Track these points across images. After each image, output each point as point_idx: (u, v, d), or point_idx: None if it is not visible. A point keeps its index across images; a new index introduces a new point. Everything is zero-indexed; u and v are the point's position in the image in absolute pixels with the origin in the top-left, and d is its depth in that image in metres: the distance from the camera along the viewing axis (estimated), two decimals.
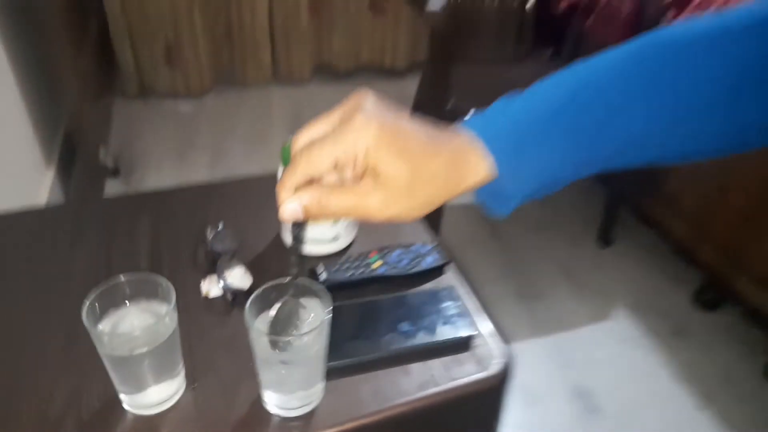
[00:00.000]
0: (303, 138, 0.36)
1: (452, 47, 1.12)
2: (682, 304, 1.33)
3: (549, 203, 1.64)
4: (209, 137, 1.88)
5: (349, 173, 0.35)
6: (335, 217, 0.55)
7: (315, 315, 0.46)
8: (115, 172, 1.64)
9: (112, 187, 1.61)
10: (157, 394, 0.46)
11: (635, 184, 1.40)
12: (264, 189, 0.63)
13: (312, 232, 0.60)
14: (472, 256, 1.44)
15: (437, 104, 1.17)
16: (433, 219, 1.31)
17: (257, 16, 1.99)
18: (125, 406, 0.47)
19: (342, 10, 2.07)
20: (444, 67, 1.12)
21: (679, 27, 0.34)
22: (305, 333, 0.44)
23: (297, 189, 0.35)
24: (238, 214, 0.68)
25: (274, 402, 0.47)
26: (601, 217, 1.48)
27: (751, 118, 0.34)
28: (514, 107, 0.36)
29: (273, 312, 0.44)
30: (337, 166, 0.34)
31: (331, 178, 0.36)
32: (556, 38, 1.56)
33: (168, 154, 1.77)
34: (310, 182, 0.35)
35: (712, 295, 1.29)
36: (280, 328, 0.44)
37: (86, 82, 1.60)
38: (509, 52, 1.49)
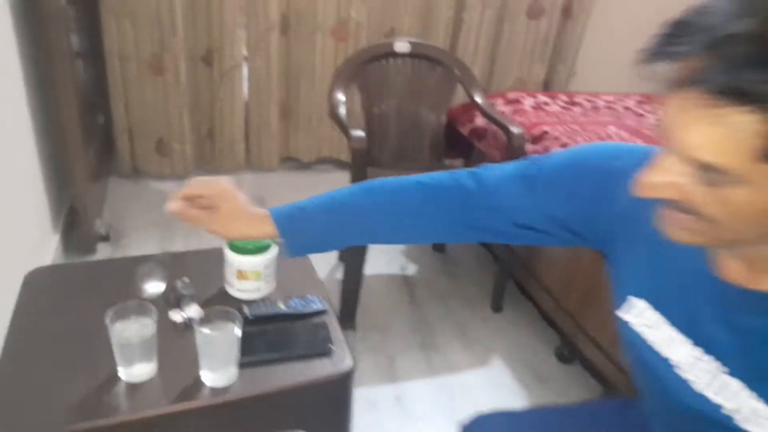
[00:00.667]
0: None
1: (366, 159, 1.56)
2: (546, 358, 1.71)
3: (455, 277, 2.05)
4: None
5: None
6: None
7: (228, 330, 0.84)
8: (105, 238, 2.01)
9: (103, 250, 1.97)
10: (141, 370, 0.83)
11: (517, 264, 1.82)
12: (213, 257, 1.02)
13: (245, 285, 0.99)
14: (391, 315, 1.82)
15: None
16: (350, 290, 1.70)
17: (235, 119, 2.44)
18: (121, 375, 0.83)
19: (306, 116, 2.55)
20: (362, 171, 1.56)
21: (389, 179, 0.77)
22: (217, 331, 0.82)
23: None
24: (196, 273, 1.06)
25: (207, 377, 0.84)
26: (493, 288, 1.88)
27: (425, 234, 0.75)
28: (304, 201, 0.76)
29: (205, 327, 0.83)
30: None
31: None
32: (467, 150, 2.03)
33: (152, 226, 2.14)
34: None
35: (567, 352, 1.68)
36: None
37: (90, 166, 2.00)
38: (425, 159, 1.94)
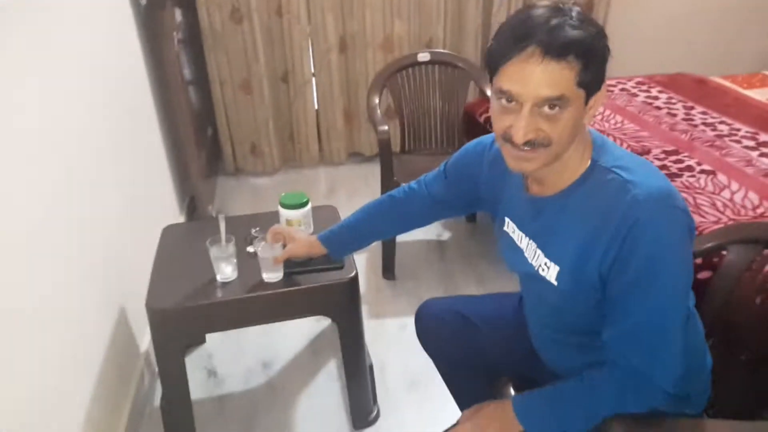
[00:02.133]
0: None
1: (391, 149, 2.07)
2: None
3: (481, 242, 2.49)
4: (275, 199, 2.90)
5: None
6: None
7: (276, 248, 1.39)
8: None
9: None
10: (228, 272, 1.41)
11: None
12: (274, 216, 1.59)
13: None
14: (425, 270, 2.31)
15: (389, 177, 2.11)
16: (388, 250, 2.21)
17: (309, 124, 3.05)
18: (218, 277, 1.41)
19: (366, 118, 3.10)
20: (388, 155, 2.07)
21: (376, 201, 1.33)
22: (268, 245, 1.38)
23: None
24: (264, 224, 1.64)
25: (265, 276, 1.40)
26: None
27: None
28: (337, 225, 1.35)
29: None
30: None
31: None
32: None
33: (248, 209, 2.79)
34: None
35: None
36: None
37: (203, 167, 2.69)
38: (447, 146, 2.41)
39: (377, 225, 1.34)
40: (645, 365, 0.89)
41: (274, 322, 1.61)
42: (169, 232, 1.66)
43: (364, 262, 2.36)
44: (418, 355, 1.37)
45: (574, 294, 0.95)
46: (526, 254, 1.04)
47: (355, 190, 2.93)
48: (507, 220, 1.10)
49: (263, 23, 2.80)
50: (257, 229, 1.59)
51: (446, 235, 2.57)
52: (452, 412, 1.29)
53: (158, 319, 1.36)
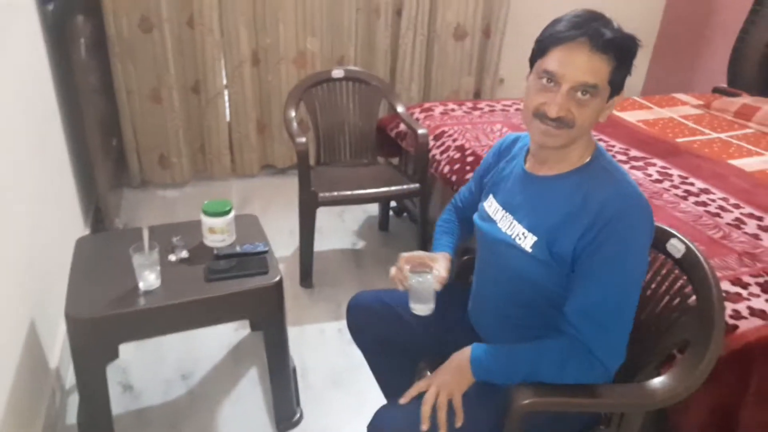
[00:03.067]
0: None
1: (308, 160, 2.14)
2: None
3: (394, 247, 2.62)
4: (185, 211, 2.86)
5: None
6: None
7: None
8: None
9: None
10: (151, 279, 1.41)
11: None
12: (194, 227, 1.60)
13: (215, 237, 1.57)
14: (342, 276, 2.40)
15: (306, 187, 2.18)
16: (305, 259, 2.28)
17: (221, 135, 3.05)
18: (141, 285, 1.41)
19: (278, 130, 3.15)
20: (306, 167, 2.14)
21: (446, 220, 1.43)
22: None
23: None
24: (184, 234, 1.64)
25: (417, 308, 1.42)
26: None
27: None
28: (442, 239, 1.39)
29: None
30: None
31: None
32: (400, 150, 2.61)
33: (156, 222, 2.74)
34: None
35: None
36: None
37: (108, 177, 2.59)
38: (361, 159, 2.53)
39: (454, 234, 1.41)
40: (595, 341, 1.01)
41: (200, 327, 1.63)
42: (83, 243, 1.62)
43: (282, 272, 2.40)
44: (338, 357, 1.45)
45: (544, 262, 1.07)
46: (499, 225, 1.18)
47: (269, 201, 2.96)
48: (490, 196, 1.24)
49: (174, 33, 2.77)
50: (178, 237, 1.60)
51: (361, 244, 2.68)
52: (372, 409, 1.36)
53: (79, 328, 1.33)
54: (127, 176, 3.05)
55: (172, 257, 1.54)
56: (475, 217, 1.28)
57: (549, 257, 1.07)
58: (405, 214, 2.78)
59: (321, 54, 3.02)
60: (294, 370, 1.72)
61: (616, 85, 1.03)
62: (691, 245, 1.20)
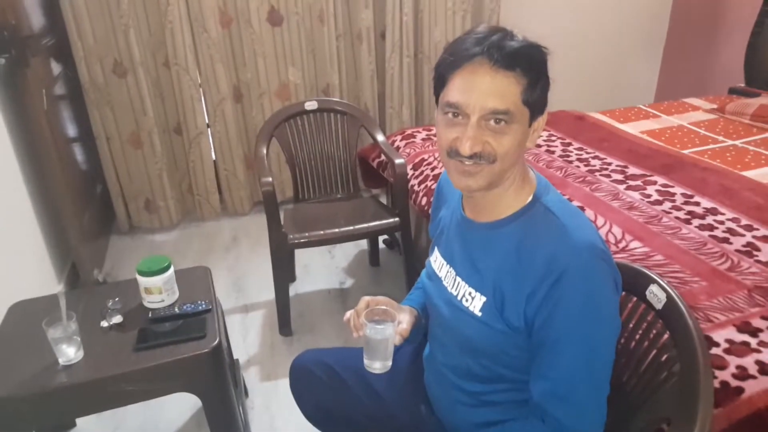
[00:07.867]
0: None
1: (276, 201, 1.99)
2: None
3: (385, 285, 2.43)
4: (174, 256, 2.75)
5: None
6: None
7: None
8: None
9: None
10: (71, 353, 1.27)
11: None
12: (130, 285, 1.46)
13: (152, 298, 1.43)
14: (324, 321, 2.22)
15: (276, 229, 2.03)
16: (281, 307, 2.12)
17: (207, 174, 2.95)
18: (60, 360, 1.27)
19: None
20: (274, 206, 1.99)
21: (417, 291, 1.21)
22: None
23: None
24: (122, 294, 1.51)
25: (374, 365, 1.28)
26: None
27: None
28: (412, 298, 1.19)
29: None
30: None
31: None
32: (384, 180, 2.44)
33: None
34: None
35: None
36: None
37: (86, 229, 2.51)
38: (343, 191, 2.37)
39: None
40: (568, 419, 0.85)
41: (129, 404, 1.47)
42: (16, 309, 1.51)
43: (260, 319, 2.26)
44: None
45: (500, 330, 0.90)
46: (444, 282, 1.00)
47: (258, 239, 2.83)
48: (435, 250, 1.07)
49: (150, 75, 2.71)
50: (115, 300, 1.47)
51: (349, 282, 2.50)
52: None
53: None
54: (115, 223, 2.98)
55: (104, 323, 1.41)
56: (423, 274, 1.10)
57: (503, 323, 0.89)
58: (397, 246, 2.60)
59: (304, 84, 2.90)
60: None
61: (534, 105, 0.85)
62: (673, 293, 0.99)
